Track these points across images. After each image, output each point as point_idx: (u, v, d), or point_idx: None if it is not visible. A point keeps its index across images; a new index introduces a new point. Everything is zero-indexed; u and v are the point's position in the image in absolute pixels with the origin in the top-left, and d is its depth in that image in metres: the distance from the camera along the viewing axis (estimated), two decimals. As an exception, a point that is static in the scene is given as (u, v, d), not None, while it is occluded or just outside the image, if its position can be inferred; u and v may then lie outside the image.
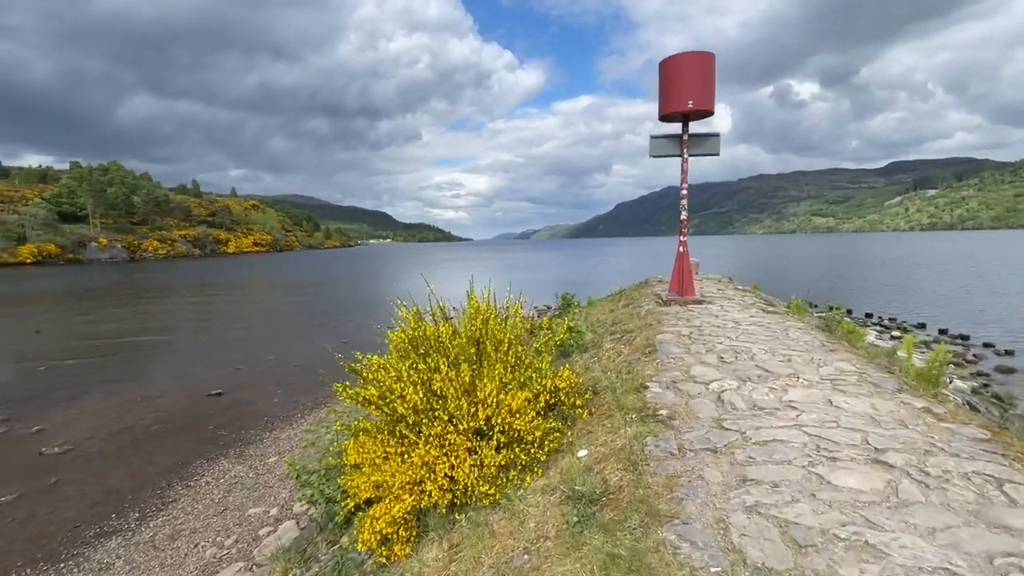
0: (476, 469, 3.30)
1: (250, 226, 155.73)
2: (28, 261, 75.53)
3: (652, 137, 9.06)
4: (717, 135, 8.94)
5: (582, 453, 3.25)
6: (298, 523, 5.20)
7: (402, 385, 3.58)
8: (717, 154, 8.99)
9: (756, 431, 3.00)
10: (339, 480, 3.68)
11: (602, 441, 3.32)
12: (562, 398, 4.29)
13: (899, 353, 4.99)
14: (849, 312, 19.93)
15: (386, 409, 3.55)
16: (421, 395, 3.61)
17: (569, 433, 3.77)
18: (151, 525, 5.39)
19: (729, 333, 5.81)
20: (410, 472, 3.25)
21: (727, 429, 3.08)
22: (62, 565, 4.77)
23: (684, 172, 8.83)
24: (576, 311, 11.18)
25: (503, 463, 3.36)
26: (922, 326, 16.88)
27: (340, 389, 3.65)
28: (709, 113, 8.73)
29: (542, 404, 3.95)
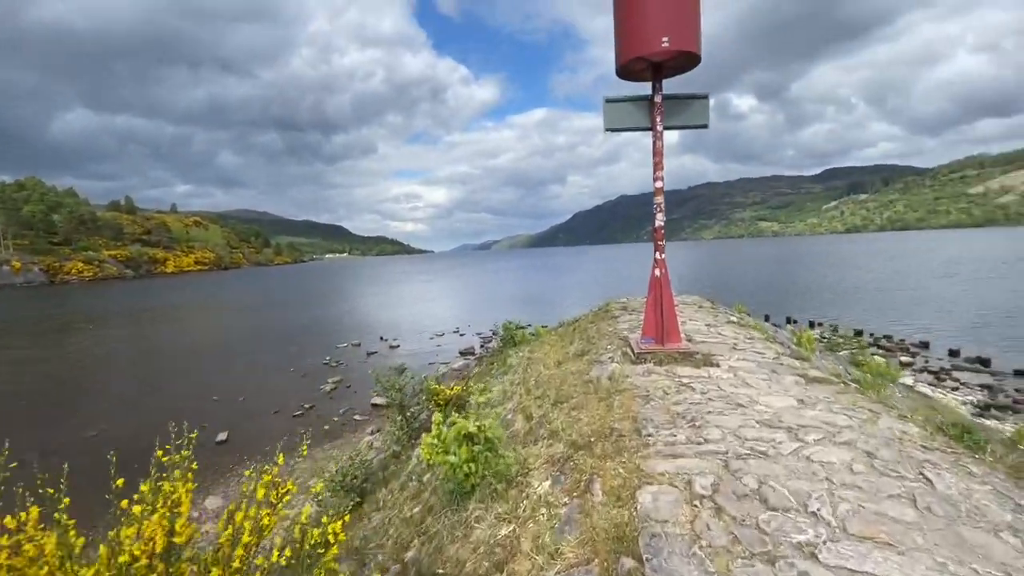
0: None
1: (191, 244, 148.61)
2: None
3: (607, 101, 5.87)
4: (705, 97, 5.85)
5: None
6: None
7: None
8: (706, 125, 5.90)
9: None
10: None
11: None
12: None
13: None
14: (835, 328, 17.61)
15: None
16: None
17: None
18: None
19: (807, 471, 2.56)
20: None
21: None
22: None
23: (658, 153, 5.68)
24: (509, 359, 7.83)
25: None
26: (925, 345, 14.52)
27: None
28: (695, 60, 5.68)
29: None
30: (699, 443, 3.10)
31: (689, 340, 6.58)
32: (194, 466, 2.09)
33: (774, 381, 4.44)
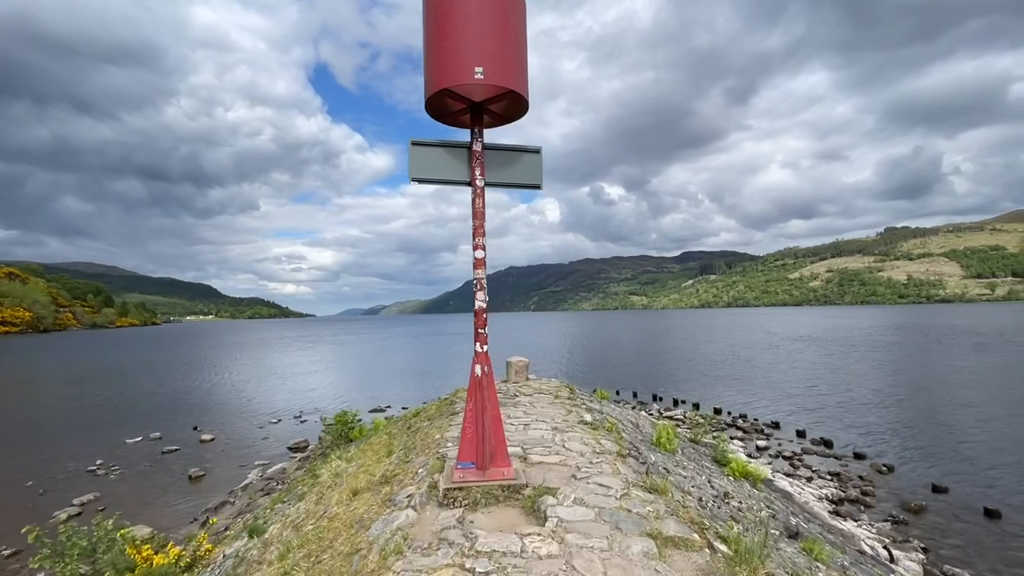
0: None
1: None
2: None
3: (414, 144, 4.51)
4: (537, 151, 4.76)
5: None
6: None
7: None
8: (539, 186, 4.76)
9: None
10: None
11: None
12: None
13: None
14: (696, 406, 17.76)
15: None
16: None
17: None
18: None
19: None
20: None
21: None
22: None
23: (478, 214, 4.35)
24: (321, 472, 5.65)
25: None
26: (776, 425, 14.92)
27: None
28: (521, 105, 4.61)
29: None
30: None
31: (524, 459, 5.04)
32: None
33: (615, 553, 2.95)
